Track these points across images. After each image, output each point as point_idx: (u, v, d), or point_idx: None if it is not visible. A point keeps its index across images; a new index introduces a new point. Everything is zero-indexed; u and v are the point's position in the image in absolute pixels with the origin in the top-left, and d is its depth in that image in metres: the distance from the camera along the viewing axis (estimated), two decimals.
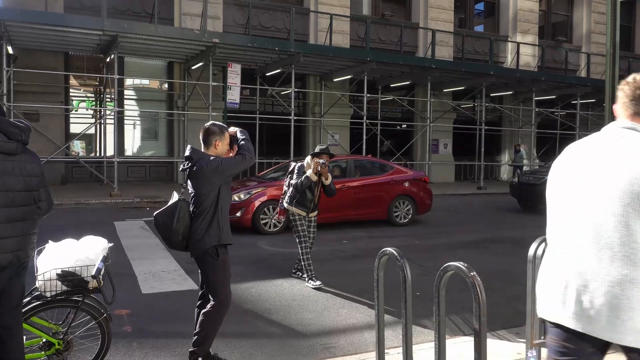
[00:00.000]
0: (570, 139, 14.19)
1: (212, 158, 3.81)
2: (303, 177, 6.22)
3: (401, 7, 22.01)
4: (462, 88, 20.68)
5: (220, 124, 4.05)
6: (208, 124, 4.03)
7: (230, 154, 4.01)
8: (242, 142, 4.01)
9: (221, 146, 3.94)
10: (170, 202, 3.84)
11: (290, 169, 6.59)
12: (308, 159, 6.42)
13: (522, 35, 23.25)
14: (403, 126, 22.34)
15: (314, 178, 6.24)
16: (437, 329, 3.21)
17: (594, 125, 21.41)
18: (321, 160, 6.27)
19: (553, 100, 23.21)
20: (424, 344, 4.39)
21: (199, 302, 4.09)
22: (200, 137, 3.97)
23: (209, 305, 3.86)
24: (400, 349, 3.95)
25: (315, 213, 6.46)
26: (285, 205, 6.42)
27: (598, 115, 21.87)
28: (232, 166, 3.89)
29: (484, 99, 19.84)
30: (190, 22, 16.86)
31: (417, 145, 21.29)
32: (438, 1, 21.40)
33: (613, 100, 5.74)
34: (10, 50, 14.11)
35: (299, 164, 6.48)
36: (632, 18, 26.49)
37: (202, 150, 3.92)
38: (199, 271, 4.00)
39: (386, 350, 3.77)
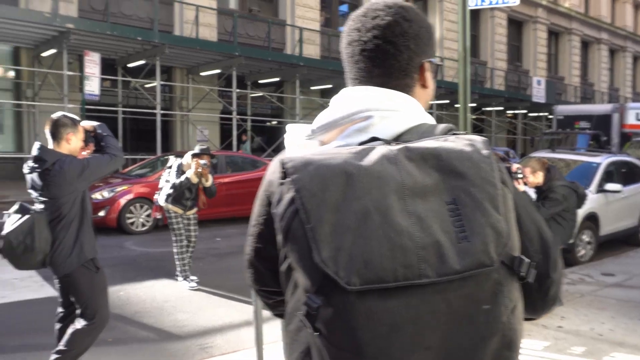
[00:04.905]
0: None
1: (73, 159, 3.30)
2: (183, 177, 5.93)
3: (268, 4, 22.09)
4: (330, 86, 21.31)
5: (72, 115, 3.53)
6: (57, 114, 3.45)
7: (85, 152, 3.50)
8: (106, 138, 3.50)
9: (74, 141, 3.39)
10: (19, 217, 3.23)
11: (168, 164, 6.27)
12: (188, 157, 6.13)
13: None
14: (273, 122, 22.48)
15: (195, 180, 5.97)
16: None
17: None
18: (202, 161, 6.02)
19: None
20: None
21: (60, 316, 3.61)
22: (47, 130, 3.37)
23: (81, 323, 3.40)
24: (277, 344, 3.97)
25: (194, 211, 6.23)
26: (161, 202, 6.12)
27: (451, 115, 23.79)
28: (100, 168, 3.40)
29: None
30: (39, 4, 15.32)
31: None
32: (304, 0, 21.81)
33: (466, 100, 6.29)
34: None
35: (178, 161, 6.18)
36: (477, 28, 29.19)
37: (51, 146, 3.35)
38: (58, 286, 3.48)
39: (264, 346, 3.75)
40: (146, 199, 9.29)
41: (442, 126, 1.00)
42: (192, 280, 6.07)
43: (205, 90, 18.50)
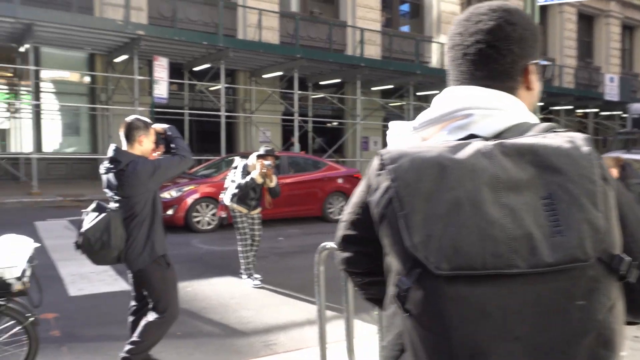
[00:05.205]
0: None
1: (145, 160, 3.44)
2: (248, 177, 6.07)
3: (329, 5, 22.18)
4: (391, 87, 21.15)
5: (145, 118, 3.67)
6: (130, 117, 3.60)
7: (156, 153, 3.65)
8: (176, 140, 3.65)
9: (146, 143, 3.54)
10: (96, 215, 3.40)
11: (234, 165, 6.43)
12: (253, 158, 6.26)
13: (446, 37, 24.06)
14: (334, 123, 22.54)
15: (259, 180, 6.10)
16: (380, 320, 3.26)
17: None
18: (267, 162, 6.14)
19: None
20: (363, 337, 4.43)
21: (133, 309, 3.78)
22: (122, 133, 3.53)
23: (153, 316, 3.54)
24: (341, 343, 3.98)
25: (258, 210, 6.35)
26: (227, 202, 6.27)
27: None
28: (171, 169, 3.54)
29: (412, 98, 20.40)
30: (112, 12, 16.10)
31: (348, 143, 21.56)
32: (365, 0, 21.75)
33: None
34: None
35: (244, 161, 6.32)
36: (545, 24, 28.11)
37: (125, 147, 3.52)
38: (132, 281, 3.67)
39: (327, 345, 3.76)
40: (211, 199, 9.55)
41: (543, 124, 1.00)
42: (256, 278, 6.19)
43: (267, 93, 18.81)
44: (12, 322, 3.35)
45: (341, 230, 1.20)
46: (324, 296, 3.57)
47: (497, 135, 1.00)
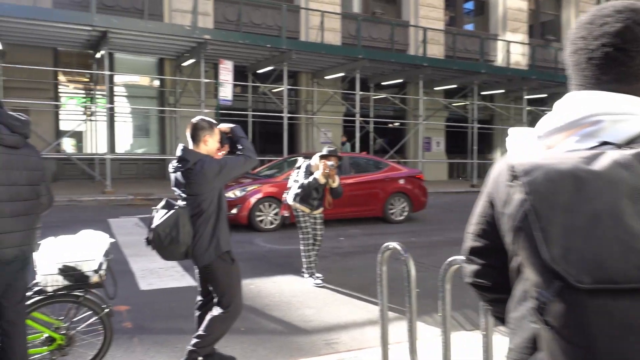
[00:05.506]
0: None
1: (212, 160, 3.56)
2: (311, 178, 6.14)
3: (391, 5, 22.03)
4: (454, 86, 20.74)
5: (209, 119, 3.78)
6: (196, 118, 3.72)
7: (221, 153, 3.76)
8: (242, 140, 3.74)
9: (211, 142, 3.65)
10: (165, 212, 3.53)
11: (297, 165, 6.52)
12: (316, 159, 6.31)
13: (511, 34, 23.39)
14: (395, 124, 22.36)
15: (322, 181, 6.15)
16: (444, 322, 3.20)
17: None
18: (330, 163, 6.19)
19: (544, 98, 23.37)
20: (425, 339, 4.38)
21: (199, 304, 3.92)
22: (188, 133, 3.67)
23: (217, 311, 3.65)
24: (402, 344, 3.95)
25: (320, 210, 6.41)
26: (290, 201, 6.37)
27: None
28: (236, 168, 3.65)
29: (476, 97, 19.93)
30: (181, 18, 16.72)
31: (409, 143, 21.34)
32: None
33: None
34: (0, 46, 13.92)
35: (307, 162, 6.40)
36: None
37: (191, 147, 3.63)
38: (198, 277, 3.80)
39: (389, 345, 3.74)
40: (274, 198, 9.71)
41: None
42: (317, 277, 6.24)
43: (329, 94, 18.91)
44: (89, 312, 3.55)
45: (468, 242, 1.20)
46: (387, 296, 3.56)
47: (630, 142, 0.96)
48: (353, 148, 17.61)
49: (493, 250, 1.08)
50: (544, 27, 25.87)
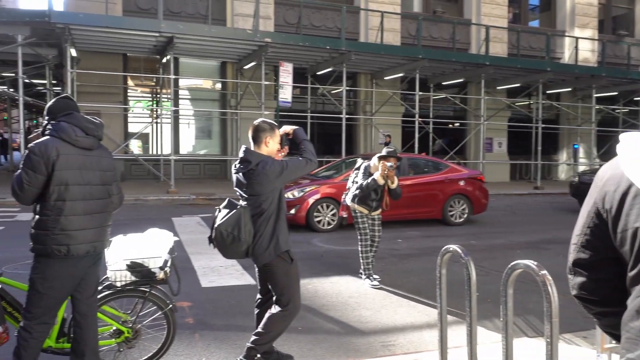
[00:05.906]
0: None
1: (273, 161, 3.63)
2: (370, 179, 6.13)
3: (452, 4, 21.64)
4: (517, 85, 20.12)
5: (270, 121, 3.86)
6: (257, 120, 3.79)
7: (281, 154, 3.84)
8: (304, 142, 3.80)
9: (271, 144, 3.70)
10: (227, 211, 3.63)
11: (356, 166, 6.54)
12: (375, 160, 6.28)
13: (580, 30, 22.40)
14: (456, 124, 21.94)
15: (381, 182, 6.12)
16: (505, 327, 3.12)
17: None
18: (389, 164, 6.14)
19: (614, 97, 22.27)
20: (485, 344, 4.28)
21: (258, 302, 3.99)
22: (250, 135, 3.75)
23: (276, 309, 3.71)
24: (460, 349, 3.88)
25: (378, 211, 6.39)
26: (348, 202, 6.39)
27: None
28: (297, 170, 3.70)
29: (541, 96, 19.25)
30: (242, 22, 17.11)
31: (470, 144, 20.87)
32: None
33: None
34: (74, 53, 14.72)
35: (366, 163, 6.40)
36: None
37: (252, 148, 3.71)
38: (258, 275, 3.89)
39: (447, 350, 3.69)
40: (332, 199, 9.76)
41: None
42: (374, 278, 6.23)
43: (388, 94, 18.80)
44: (154, 307, 3.71)
45: (572, 254, 1.16)
46: (446, 300, 3.52)
47: None
48: (412, 149, 17.41)
49: (600, 262, 1.04)
50: (615, 22, 24.64)
